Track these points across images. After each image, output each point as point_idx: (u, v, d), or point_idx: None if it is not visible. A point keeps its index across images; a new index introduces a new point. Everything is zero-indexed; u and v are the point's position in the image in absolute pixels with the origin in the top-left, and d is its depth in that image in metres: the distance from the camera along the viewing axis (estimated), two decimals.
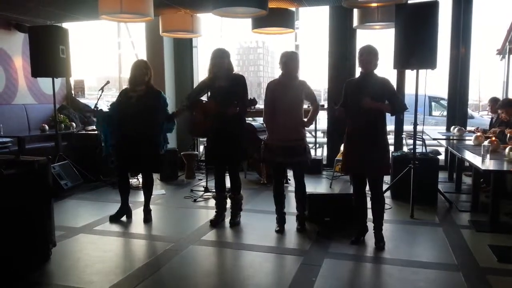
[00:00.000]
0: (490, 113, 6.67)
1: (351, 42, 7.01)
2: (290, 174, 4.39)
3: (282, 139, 4.00)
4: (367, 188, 3.82)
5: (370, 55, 3.61)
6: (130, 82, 4.35)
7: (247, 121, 6.45)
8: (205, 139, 6.44)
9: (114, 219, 4.48)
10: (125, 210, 4.57)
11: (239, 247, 3.82)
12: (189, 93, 4.46)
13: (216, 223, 4.34)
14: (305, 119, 4.08)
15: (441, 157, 6.29)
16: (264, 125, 4.31)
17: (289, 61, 3.97)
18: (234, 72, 4.24)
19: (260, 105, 5.32)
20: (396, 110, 3.72)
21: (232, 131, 4.14)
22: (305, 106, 4.18)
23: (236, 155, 4.27)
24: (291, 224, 4.24)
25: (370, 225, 3.92)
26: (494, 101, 6.28)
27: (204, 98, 4.38)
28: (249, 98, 4.10)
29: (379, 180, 3.79)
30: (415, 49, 4.45)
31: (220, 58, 4.12)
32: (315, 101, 4.14)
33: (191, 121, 4.40)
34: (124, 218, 4.55)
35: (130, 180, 4.99)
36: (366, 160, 3.61)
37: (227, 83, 4.11)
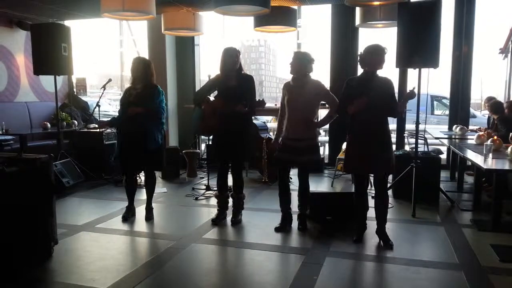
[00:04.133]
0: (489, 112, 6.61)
1: (353, 40, 7.00)
2: (292, 172, 4.37)
3: (291, 138, 3.99)
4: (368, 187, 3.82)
5: (384, 55, 3.60)
6: (131, 80, 4.36)
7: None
8: (207, 137, 6.45)
9: (126, 218, 4.47)
10: (131, 209, 4.57)
11: (241, 245, 3.82)
12: (198, 90, 4.47)
13: (218, 221, 4.35)
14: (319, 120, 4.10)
15: (443, 156, 6.27)
16: (270, 124, 4.32)
17: (297, 62, 3.97)
18: (243, 72, 4.24)
19: (270, 103, 5.30)
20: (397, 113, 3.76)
21: (238, 130, 4.14)
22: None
23: (240, 154, 4.28)
24: (292, 222, 4.24)
25: (369, 223, 3.92)
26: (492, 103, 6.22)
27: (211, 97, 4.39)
28: (257, 99, 4.11)
29: (386, 179, 3.79)
30: (417, 48, 4.43)
31: (230, 57, 4.12)
32: (332, 102, 4.05)
33: (201, 119, 4.39)
34: None
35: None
36: (375, 160, 3.61)
37: (236, 83, 4.12)
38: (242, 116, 4.10)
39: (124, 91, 4.56)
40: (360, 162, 3.68)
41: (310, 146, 4.03)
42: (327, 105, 4.21)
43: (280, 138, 4.13)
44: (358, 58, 3.70)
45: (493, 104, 5.92)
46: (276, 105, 4.74)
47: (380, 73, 3.68)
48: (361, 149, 3.65)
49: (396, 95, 3.83)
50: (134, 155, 4.31)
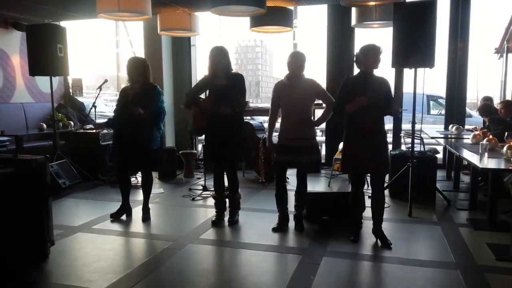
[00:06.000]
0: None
1: (349, 40, 7.02)
2: (289, 172, 4.37)
3: (291, 138, 3.98)
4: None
5: (379, 55, 3.61)
6: (128, 80, 4.35)
7: (245, 120, 6.46)
8: (203, 137, 6.43)
9: (115, 217, 4.48)
10: (126, 209, 4.56)
11: (238, 245, 3.82)
12: (189, 91, 4.44)
13: (218, 223, 4.33)
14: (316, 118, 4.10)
15: (439, 155, 6.30)
16: (267, 124, 4.30)
17: (294, 61, 3.97)
18: (232, 71, 4.23)
19: (263, 104, 5.30)
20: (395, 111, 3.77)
21: (229, 131, 4.11)
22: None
23: (233, 155, 4.25)
24: (289, 222, 4.24)
25: (365, 223, 3.93)
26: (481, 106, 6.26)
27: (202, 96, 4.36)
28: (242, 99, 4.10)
29: (383, 178, 3.81)
30: (413, 48, 4.45)
31: (219, 56, 4.09)
32: (327, 98, 4.09)
33: (192, 120, 4.38)
34: (123, 217, 4.55)
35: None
36: (372, 160, 3.61)
37: (226, 82, 4.09)
38: (232, 117, 4.07)
39: (120, 90, 4.53)
40: (357, 162, 3.68)
41: (311, 146, 4.03)
42: (323, 105, 4.22)
43: (277, 139, 4.12)
44: (354, 58, 3.72)
45: (482, 107, 6.01)
46: None
47: (377, 73, 3.70)
48: (359, 149, 3.65)
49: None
50: (132, 156, 4.30)
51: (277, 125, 4.21)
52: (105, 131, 6.43)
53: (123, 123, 4.28)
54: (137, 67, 4.25)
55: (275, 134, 4.20)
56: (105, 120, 4.57)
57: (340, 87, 3.76)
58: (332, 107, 3.99)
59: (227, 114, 4.01)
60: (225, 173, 4.40)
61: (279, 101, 4.04)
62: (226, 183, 4.45)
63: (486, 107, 5.98)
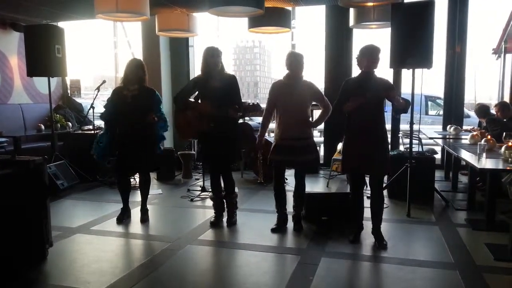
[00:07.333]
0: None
1: (347, 41, 7.02)
2: (288, 173, 4.36)
3: (288, 139, 3.98)
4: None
5: (377, 55, 3.61)
6: (123, 81, 4.32)
7: (244, 121, 6.47)
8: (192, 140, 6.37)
9: (121, 219, 4.46)
10: (126, 210, 4.55)
11: (236, 246, 3.82)
12: (178, 93, 4.28)
13: (216, 224, 4.32)
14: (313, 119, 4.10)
15: (438, 156, 6.30)
16: (261, 123, 4.29)
17: (295, 62, 3.97)
18: (225, 72, 4.19)
19: (262, 104, 5.30)
20: (407, 104, 3.68)
21: (224, 132, 4.09)
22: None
23: (228, 156, 4.24)
24: (288, 223, 4.24)
25: (365, 223, 3.93)
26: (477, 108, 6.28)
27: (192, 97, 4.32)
28: (252, 103, 4.08)
29: (382, 179, 3.82)
30: (411, 49, 4.45)
31: (214, 57, 4.05)
32: (323, 101, 4.10)
33: (181, 123, 4.35)
34: None
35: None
36: (372, 159, 3.61)
37: (219, 84, 4.05)
38: (228, 119, 4.05)
39: (114, 91, 4.45)
40: (357, 162, 3.68)
41: (308, 145, 4.04)
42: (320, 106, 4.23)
43: (274, 140, 4.12)
44: (356, 59, 3.73)
45: (478, 109, 6.06)
46: None
47: (377, 73, 3.70)
48: (359, 150, 3.65)
49: None
50: (133, 158, 4.28)
51: (272, 125, 4.21)
52: (102, 132, 6.41)
53: (122, 123, 4.26)
54: (138, 69, 4.24)
55: (272, 135, 4.20)
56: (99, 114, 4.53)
57: (341, 87, 3.77)
58: (328, 110, 4.01)
59: (229, 116, 4.00)
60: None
61: (276, 101, 4.04)
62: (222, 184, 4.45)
63: (482, 108, 6.01)
